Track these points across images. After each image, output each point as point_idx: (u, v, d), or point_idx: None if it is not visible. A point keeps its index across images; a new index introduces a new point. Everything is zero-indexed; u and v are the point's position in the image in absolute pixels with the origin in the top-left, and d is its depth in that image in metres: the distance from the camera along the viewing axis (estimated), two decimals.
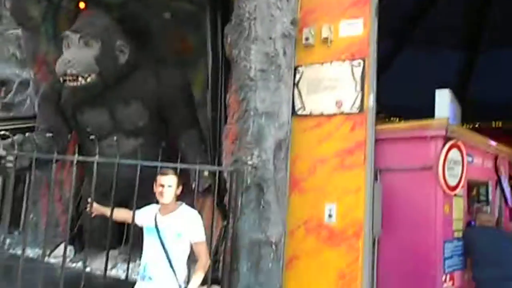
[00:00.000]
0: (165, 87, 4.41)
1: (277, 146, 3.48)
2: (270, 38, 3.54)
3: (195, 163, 3.34)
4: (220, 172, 3.50)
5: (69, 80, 4.08)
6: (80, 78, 4.04)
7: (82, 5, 5.06)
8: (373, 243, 3.45)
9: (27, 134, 4.12)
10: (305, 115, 3.64)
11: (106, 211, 3.33)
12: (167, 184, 2.77)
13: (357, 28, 3.55)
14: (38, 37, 4.95)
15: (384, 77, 4.14)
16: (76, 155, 3.40)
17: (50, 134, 4.10)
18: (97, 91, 4.18)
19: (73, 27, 4.21)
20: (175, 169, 2.95)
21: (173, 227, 2.75)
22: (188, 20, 5.55)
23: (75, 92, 4.18)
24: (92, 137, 3.60)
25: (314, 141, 3.58)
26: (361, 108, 3.44)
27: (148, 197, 3.00)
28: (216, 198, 3.44)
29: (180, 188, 2.86)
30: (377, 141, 3.50)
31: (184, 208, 2.86)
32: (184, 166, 3.23)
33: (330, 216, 3.38)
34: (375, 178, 3.50)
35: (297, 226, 3.50)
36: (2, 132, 4.23)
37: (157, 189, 2.80)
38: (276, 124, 3.49)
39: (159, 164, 3.15)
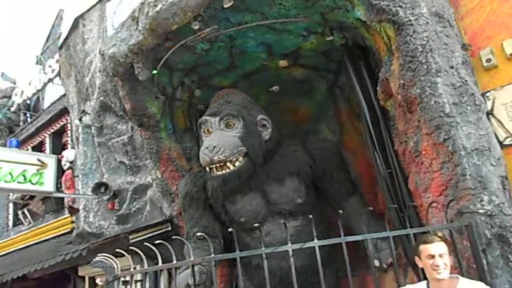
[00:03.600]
0: (318, 157, 3.98)
1: (502, 186, 2.90)
2: (452, 68, 3.11)
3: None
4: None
5: (216, 168, 3.73)
6: (228, 164, 3.69)
7: (197, 93, 4.90)
8: None
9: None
10: None
11: None
12: (438, 253, 2.21)
13: None
14: (158, 134, 4.73)
15: None
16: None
17: (201, 235, 3.54)
18: (248, 174, 3.77)
19: (210, 111, 3.94)
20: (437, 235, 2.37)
21: None
22: (299, 87, 5.28)
23: (225, 181, 3.77)
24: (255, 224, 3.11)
25: None
26: None
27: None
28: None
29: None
30: None
31: (466, 282, 2.25)
32: (417, 230, 2.66)
33: None
34: None
35: None
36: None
37: (425, 263, 2.23)
38: (492, 160, 2.93)
39: (390, 233, 2.61)
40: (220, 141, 3.66)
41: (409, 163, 3.51)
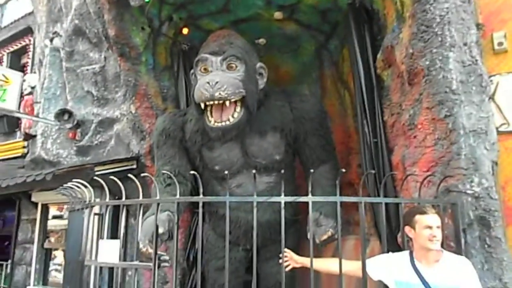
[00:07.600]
0: (296, 118, 3.84)
1: (492, 171, 2.88)
2: (465, 45, 3.02)
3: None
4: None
5: (215, 120, 3.53)
6: (228, 115, 3.52)
7: (185, 31, 4.58)
8: None
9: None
10: (510, 132, 3.07)
11: (306, 261, 2.66)
12: (436, 225, 2.16)
13: None
14: (138, 68, 4.41)
15: None
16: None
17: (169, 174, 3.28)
18: (245, 124, 3.62)
19: (210, 50, 3.65)
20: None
21: (448, 281, 2.11)
22: (286, 44, 5.06)
23: (224, 133, 3.58)
24: (225, 172, 2.98)
25: None
26: None
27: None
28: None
29: None
30: None
31: (449, 255, 2.23)
32: (407, 200, 2.61)
33: None
34: None
35: None
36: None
37: (419, 233, 2.17)
38: (487, 144, 2.90)
39: (361, 199, 2.53)
40: (223, 79, 3.44)
41: (397, 135, 3.45)
